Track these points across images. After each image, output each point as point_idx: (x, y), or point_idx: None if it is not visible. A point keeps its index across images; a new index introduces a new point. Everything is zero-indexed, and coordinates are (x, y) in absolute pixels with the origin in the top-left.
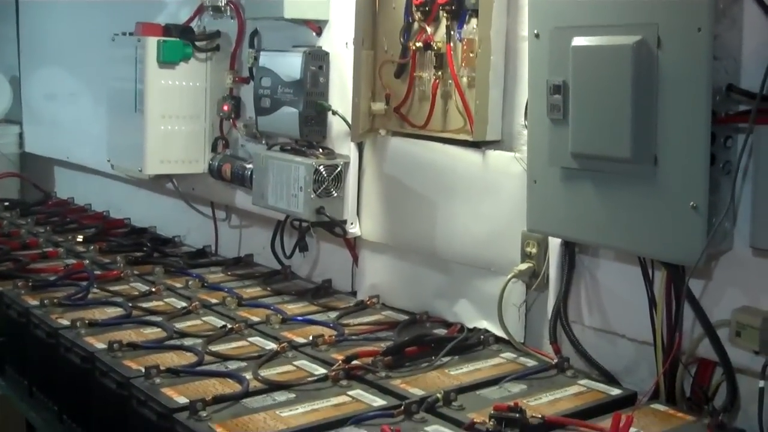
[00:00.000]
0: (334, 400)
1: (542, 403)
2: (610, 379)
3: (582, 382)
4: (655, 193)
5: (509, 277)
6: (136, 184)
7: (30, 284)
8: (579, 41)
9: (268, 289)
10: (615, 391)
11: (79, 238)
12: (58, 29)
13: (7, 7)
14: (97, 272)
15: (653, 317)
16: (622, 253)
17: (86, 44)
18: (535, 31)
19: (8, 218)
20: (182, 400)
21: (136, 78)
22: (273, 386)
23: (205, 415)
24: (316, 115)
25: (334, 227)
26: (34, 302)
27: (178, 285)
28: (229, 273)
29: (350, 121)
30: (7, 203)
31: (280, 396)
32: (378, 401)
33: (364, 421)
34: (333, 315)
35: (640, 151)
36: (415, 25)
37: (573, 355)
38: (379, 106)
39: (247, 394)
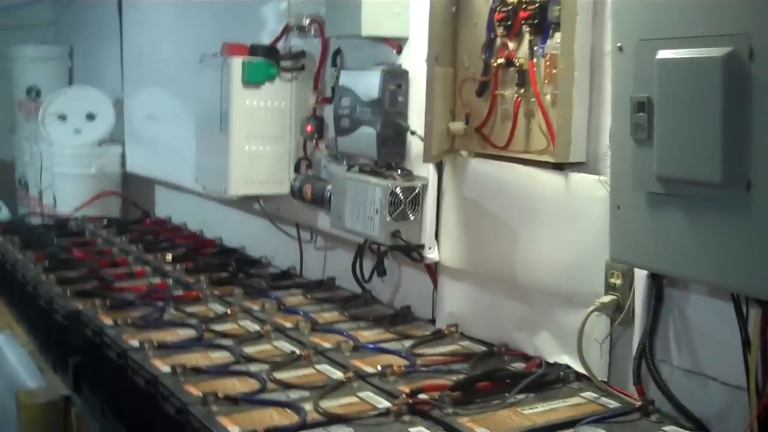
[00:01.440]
0: None
1: None
2: (699, 426)
3: (667, 428)
4: (748, 221)
5: (590, 309)
6: (229, 204)
7: (108, 303)
8: (664, 54)
9: (346, 314)
10: None
11: (168, 257)
12: (160, 50)
13: (111, 29)
14: (178, 293)
15: (747, 359)
16: (714, 288)
17: (184, 65)
18: (619, 44)
19: (104, 236)
20: (235, 430)
21: (221, 98)
22: (332, 419)
23: None
24: (394, 135)
25: (411, 252)
26: (108, 322)
27: (255, 307)
28: (309, 296)
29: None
30: (106, 221)
31: (338, 430)
32: None
33: None
34: (408, 344)
35: (731, 174)
36: (498, 41)
37: (659, 398)
38: (458, 125)
39: (303, 426)
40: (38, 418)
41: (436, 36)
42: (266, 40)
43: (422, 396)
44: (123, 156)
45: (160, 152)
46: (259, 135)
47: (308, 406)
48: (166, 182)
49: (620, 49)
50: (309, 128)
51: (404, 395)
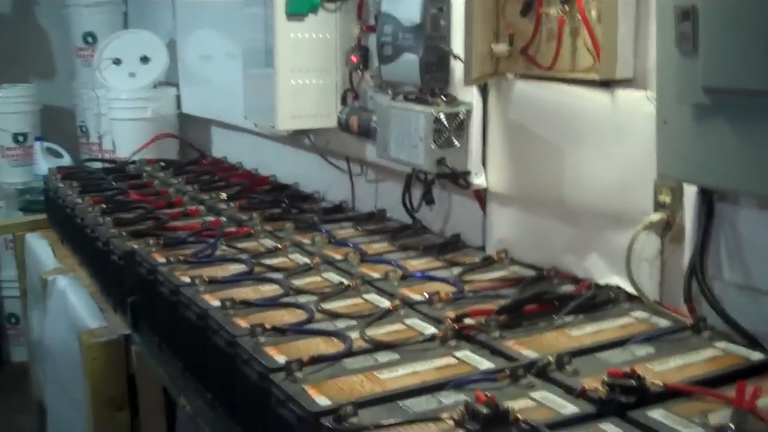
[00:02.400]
0: (438, 362)
1: (669, 369)
2: (753, 342)
3: (719, 344)
4: None
5: (639, 227)
6: (281, 141)
7: (161, 242)
8: None
9: (396, 244)
10: (756, 356)
11: (223, 196)
12: None
13: None
14: (230, 229)
15: None
16: (765, 200)
17: (235, 4)
18: None
19: (161, 178)
20: (282, 359)
21: (265, 33)
22: (377, 346)
23: (300, 376)
24: (437, 60)
25: (458, 179)
26: (161, 260)
27: (306, 241)
28: (359, 228)
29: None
30: (163, 163)
31: (383, 357)
32: (486, 364)
33: (464, 385)
34: (457, 271)
35: None
36: None
37: (711, 315)
38: (501, 47)
39: (349, 354)
40: (100, 357)
41: None
42: None
43: (468, 321)
44: (178, 98)
45: (214, 92)
46: (304, 68)
47: (354, 335)
48: (221, 122)
49: None
50: (354, 59)
51: (449, 320)
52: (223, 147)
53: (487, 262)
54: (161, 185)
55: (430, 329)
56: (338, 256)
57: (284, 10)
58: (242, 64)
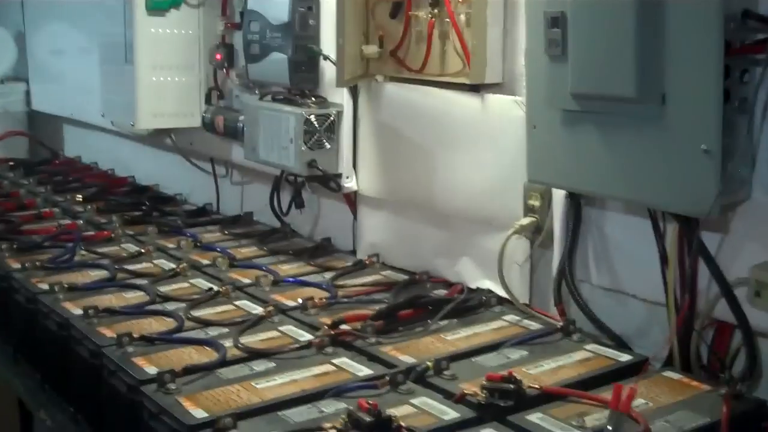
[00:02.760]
0: (317, 370)
1: (543, 371)
2: (620, 344)
3: (589, 347)
4: (663, 135)
5: (510, 232)
6: (140, 141)
7: (15, 247)
8: None
9: (265, 248)
10: (625, 357)
11: (78, 198)
12: None
13: None
14: (89, 233)
15: (665, 275)
16: (631, 205)
17: None
18: None
19: (11, 178)
20: (152, 370)
21: (125, 27)
22: (252, 354)
23: (173, 387)
24: (306, 60)
25: (329, 181)
26: (16, 265)
27: (170, 245)
28: (226, 232)
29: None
30: (12, 163)
31: (259, 365)
32: (365, 370)
33: (345, 393)
34: (329, 276)
35: (645, 89)
36: None
37: (580, 318)
38: (371, 49)
39: (223, 363)
40: None
41: None
42: None
43: (344, 327)
44: (28, 94)
45: (67, 89)
46: (166, 65)
47: (227, 343)
48: (75, 120)
49: None
50: (218, 56)
51: (326, 327)
52: (77, 146)
53: (359, 267)
54: (11, 186)
55: (305, 336)
56: (205, 261)
57: (145, 4)
58: (99, 59)
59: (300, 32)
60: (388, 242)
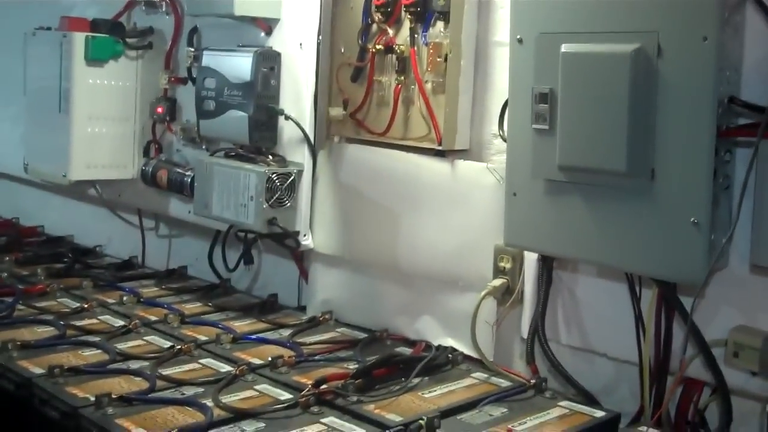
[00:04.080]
0: (308, 430)
1: (529, 428)
2: (591, 400)
3: (563, 403)
4: (651, 207)
5: (483, 293)
6: (50, 189)
7: None
8: (569, 48)
9: (210, 304)
10: (599, 413)
11: None
12: None
13: None
14: (21, 286)
15: (639, 335)
16: (604, 270)
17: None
18: (518, 37)
19: None
20: None
21: (61, 76)
22: (239, 415)
23: None
24: (267, 119)
25: (286, 239)
26: None
27: (111, 300)
28: (163, 287)
29: (306, 128)
30: None
31: (249, 426)
32: (356, 429)
33: None
34: (286, 333)
35: (636, 164)
36: (374, 27)
37: (548, 375)
38: (336, 111)
39: (212, 424)
40: None
41: (327, 20)
42: (100, 14)
43: (325, 386)
44: None
45: None
46: (102, 116)
47: (209, 403)
48: None
49: (520, 41)
50: (160, 109)
51: (310, 386)
52: None
53: (313, 323)
54: None
55: (284, 395)
56: (153, 317)
57: (84, 54)
58: (26, 107)
59: (262, 91)
60: (342, 299)
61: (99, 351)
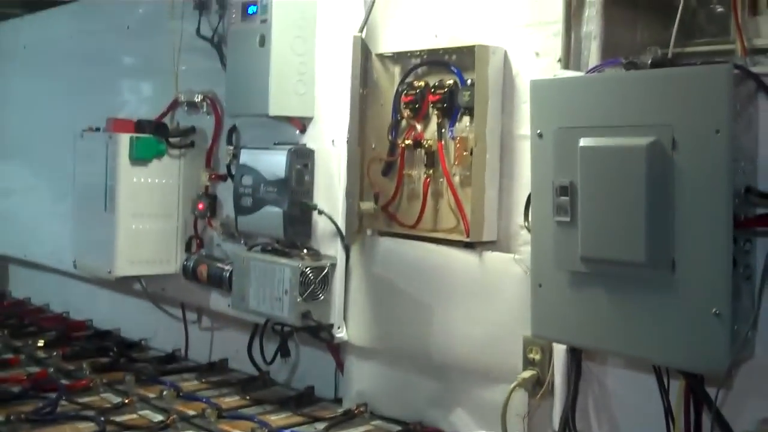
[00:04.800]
0: None
1: None
2: None
3: None
4: (673, 299)
5: (513, 385)
6: (98, 284)
7: None
8: (587, 141)
9: (247, 397)
10: None
11: (40, 343)
12: (19, 122)
13: None
14: (64, 381)
15: (669, 428)
16: (633, 361)
17: (49, 138)
18: (538, 131)
19: None
20: None
21: (107, 175)
22: None
23: None
24: (300, 214)
25: (320, 332)
26: None
27: (152, 395)
28: (203, 380)
29: (339, 222)
30: None
31: None
32: None
33: None
34: (320, 426)
35: (656, 255)
36: (404, 123)
37: None
38: (368, 205)
39: None
40: None
41: (356, 117)
42: (147, 115)
43: None
44: None
45: (18, 228)
46: (146, 213)
47: None
48: (24, 260)
49: (540, 135)
50: (201, 206)
51: None
52: (26, 287)
53: (348, 416)
54: None
55: None
56: (191, 412)
57: (128, 154)
58: (74, 205)
59: (296, 187)
60: (377, 391)
61: None
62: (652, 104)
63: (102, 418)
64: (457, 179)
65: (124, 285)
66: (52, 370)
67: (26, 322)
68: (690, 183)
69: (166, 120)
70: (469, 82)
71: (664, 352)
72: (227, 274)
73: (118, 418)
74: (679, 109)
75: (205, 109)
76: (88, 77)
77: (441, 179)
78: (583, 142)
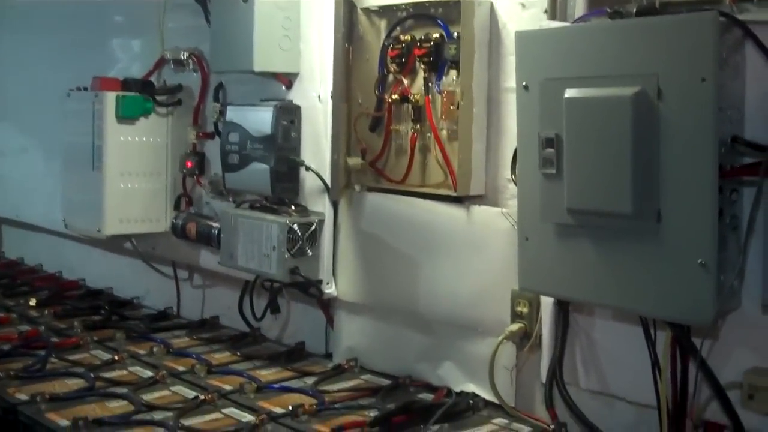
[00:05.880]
0: None
1: None
2: None
3: None
4: (658, 249)
5: (501, 338)
6: (91, 244)
7: None
8: (572, 93)
9: (238, 353)
10: None
11: (32, 302)
12: (7, 83)
13: None
14: (54, 339)
15: (656, 379)
16: (621, 313)
17: (37, 98)
18: (524, 83)
19: None
20: None
21: (94, 134)
22: None
23: None
24: (288, 171)
25: (309, 288)
26: None
27: (142, 352)
28: (194, 337)
29: (326, 178)
30: None
31: None
32: None
33: None
34: (310, 381)
35: (641, 206)
36: (390, 77)
37: (569, 420)
38: (355, 160)
39: None
40: None
41: (340, 72)
42: (133, 73)
43: None
44: None
45: (9, 189)
46: (134, 172)
47: None
48: (16, 221)
49: (525, 87)
50: (189, 164)
51: None
52: (19, 247)
53: (338, 371)
54: None
55: None
56: (182, 368)
57: (115, 112)
58: (62, 164)
59: (282, 144)
60: (366, 346)
61: (125, 402)
62: (637, 53)
63: (91, 375)
64: (444, 133)
65: (116, 244)
66: (43, 328)
67: (19, 282)
68: (676, 132)
69: (153, 78)
70: (455, 35)
71: (650, 303)
72: (216, 232)
73: (108, 375)
74: (665, 58)
75: (191, 67)
76: (76, 37)
77: (428, 134)
78: (569, 93)
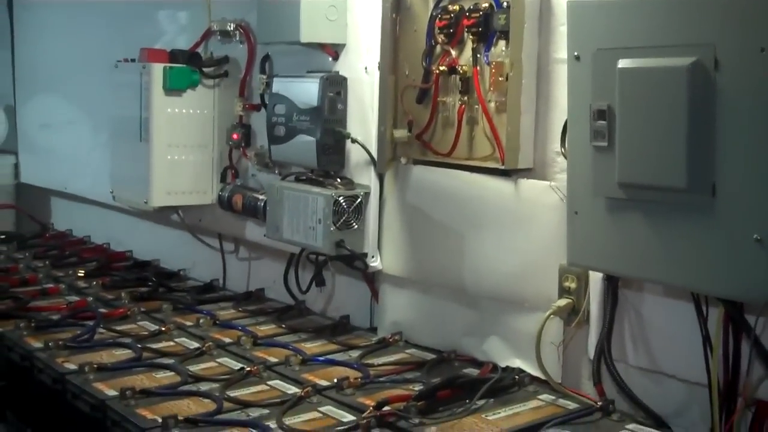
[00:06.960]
0: None
1: None
2: (659, 423)
3: (630, 426)
4: (713, 224)
5: (548, 313)
6: (138, 215)
7: (32, 324)
8: (626, 63)
9: (283, 326)
10: None
11: (81, 273)
12: (56, 55)
13: (2, 32)
14: (102, 310)
15: (707, 357)
16: (671, 289)
17: (85, 70)
18: (576, 53)
19: (5, 252)
20: None
21: (141, 106)
22: None
23: None
24: (334, 143)
25: (354, 261)
26: (37, 344)
27: (189, 323)
28: (240, 309)
29: (372, 150)
30: (3, 236)
31: None
32: None
33: None
34: (355, 354)
35: (696, 180)
36: (438, 48)
37: (616, 396)
38: (401, 132)
39: None
40: None
41: (387, 43)
42: (181, 45)
43: (387, 408)
44: (16, 166)
45: (59, 162)
46: (181, 144)
47: (272, 425)
48: (65, 193)
49: (577, 58)
50: (235, 136)
51: (371, 408)
52: (67, 219)
53: (382, 345)
54: (7, 261)
55: (347, 417)
56: (228, 339)
57: (162, 84)
58: (110, 136)
59: (329, 116)
60: (411, 320)
61: (172, 373)
62: (693, 23)
63: (138, 345)
64: (492, 105)
65: (163, 216)
66: (91, 299)
67: (67, 254)
68: (733, 104)
69: (200, 50)
70: (504, 4)
71: (703, 279)
72: (262, 204)
73: (155, 345)
74: (722, 27)
75: (238, 38)
76: (124, 8)
77: (476, 106)
78: (622, 63)
